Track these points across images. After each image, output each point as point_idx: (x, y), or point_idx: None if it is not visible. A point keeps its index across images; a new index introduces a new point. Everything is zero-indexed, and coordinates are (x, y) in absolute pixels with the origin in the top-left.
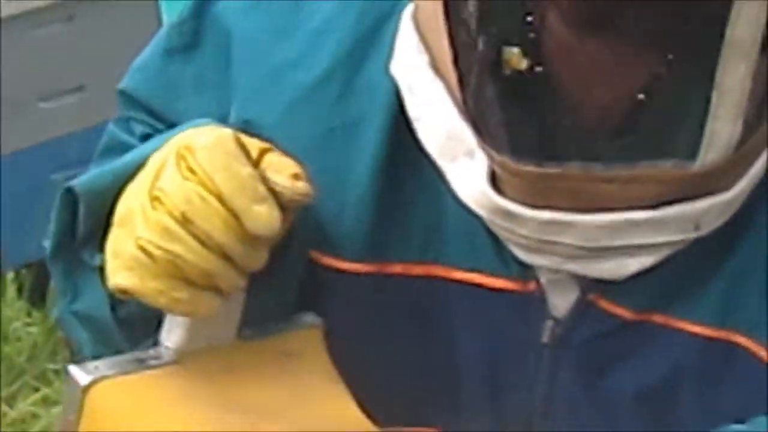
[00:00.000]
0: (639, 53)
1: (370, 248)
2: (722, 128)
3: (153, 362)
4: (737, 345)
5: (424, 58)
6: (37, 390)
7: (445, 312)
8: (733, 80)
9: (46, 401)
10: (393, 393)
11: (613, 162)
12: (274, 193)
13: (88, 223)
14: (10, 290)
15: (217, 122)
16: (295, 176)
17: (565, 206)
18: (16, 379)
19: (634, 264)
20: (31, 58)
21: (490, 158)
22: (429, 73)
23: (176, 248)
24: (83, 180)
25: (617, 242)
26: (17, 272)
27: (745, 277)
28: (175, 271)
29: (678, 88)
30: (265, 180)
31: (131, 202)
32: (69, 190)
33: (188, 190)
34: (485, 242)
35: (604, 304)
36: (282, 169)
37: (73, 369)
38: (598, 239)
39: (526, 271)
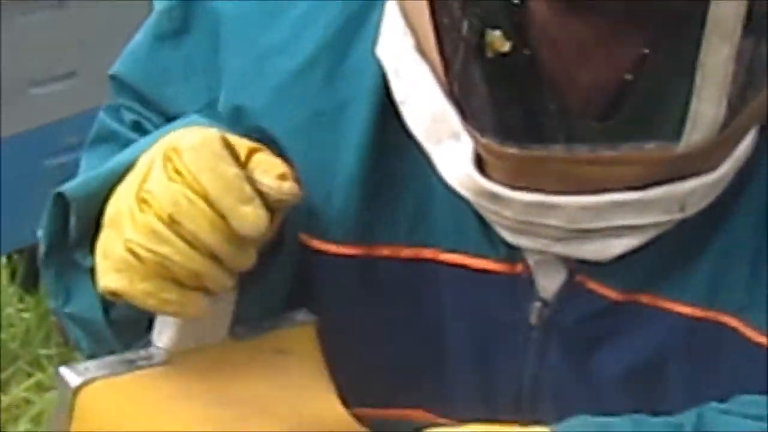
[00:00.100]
0: (622, 34)
1: (358, 231)
2: (706, 109)
3: (143, 363)
4: (724, 325)
5: (410, 41)
6: (30, 375)
7: (434, 294)
8: (716, 61)
9: (39, 387)
10: (382, 374)
11: (597, 144)
12: (260, 193)
13: (80, 226)
14: (3, 276)
15: (207, 109)
16: (282, 176)
17: (549, 188)
18: (9, 364)
19: (620, 245)
20: (23, 44)
21: (475, 141)
22: (414, 56)
23: (164, 250)
24: (74, 185)
25: (602, 224)
26: (10, 258)
27: (731, 257)
28: (164, 273)
29: (661, 69)
30: (251, 180)
31: (120, 203)
32: (60, 195)
33: (175, 191)
34: (472, 224)
35: (592, 285)
36: (269, 169)
37: (64, 370)
38: (583, 221)
39: (513, 252)
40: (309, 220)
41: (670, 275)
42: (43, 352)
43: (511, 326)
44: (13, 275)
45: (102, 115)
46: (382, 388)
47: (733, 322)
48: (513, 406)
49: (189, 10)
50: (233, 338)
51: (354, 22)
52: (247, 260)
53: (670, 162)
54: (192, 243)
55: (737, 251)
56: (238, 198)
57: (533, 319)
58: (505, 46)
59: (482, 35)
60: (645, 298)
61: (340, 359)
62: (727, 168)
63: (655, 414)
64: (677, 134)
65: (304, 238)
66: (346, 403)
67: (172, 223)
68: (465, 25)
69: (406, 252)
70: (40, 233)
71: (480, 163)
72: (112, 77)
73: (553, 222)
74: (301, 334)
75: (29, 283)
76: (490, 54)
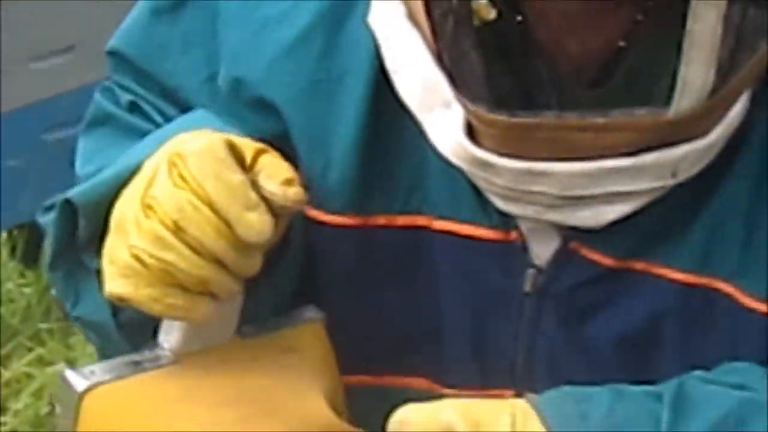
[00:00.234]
0: (611, 3)
1: (355, 201)
2: (695, 75)
3: (149, 365)
4: (718, 291)
5: (401, 9)
6: (31, 350)
7: (429, 262)
8: (703, 27)
9: (40, 361)
10: (378, 342)
11: (588, 110)
12: (265, 199)
13: (88, 230)
14: (3, 251)
15: (208, 83)
16: (288, 182)
17: (541, 155)
18: (9, 339)
19: (613, 212)
20: (21, 19)
21: (465, 108)
22: (405, 23)
23: (169, 256)
24: (81, 191)
25: (594, 190)
26: (10, 233)
27: (725, 223)
28: (169, 279)
29: (651, 35)
30: (256, 186)
31: (125, 208)
32: (67, 201)
33: (180, 198)
34: (466, 192)
35: (585, 252)
36: (275, 174)
37: (69, 374)
38: (575, 188)
39: (507, 220)
40: (307, 190)
41: (663, 241)
42: (43, 326)
43: (505, 294)
44: (13, 250)
45: (97, 96)
46: (381, 356)
47: (726, 287)
48: (508, 373)
49: None
50: (240, 338)
51: None
52: (253, 265)
53: (661, 128)
54: (197, 249)
55: (731, 217)
56: (244, 205)
57: (527, 286)
58: (491, 14)
59: (469, 2)
60: (639, 265)
61: (339, 328)
62: (718, 133)
63: (649, 381)
64: (667, 100)
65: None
66: (345, 371)
67: (177, 230)
68: None
69: (402, 220)
70: (47, 242)
71: (471, 131)
72: (110, 53)
73: (544, 189)
74: (308, 332)
75: (29, 258)
76: (476, 22)
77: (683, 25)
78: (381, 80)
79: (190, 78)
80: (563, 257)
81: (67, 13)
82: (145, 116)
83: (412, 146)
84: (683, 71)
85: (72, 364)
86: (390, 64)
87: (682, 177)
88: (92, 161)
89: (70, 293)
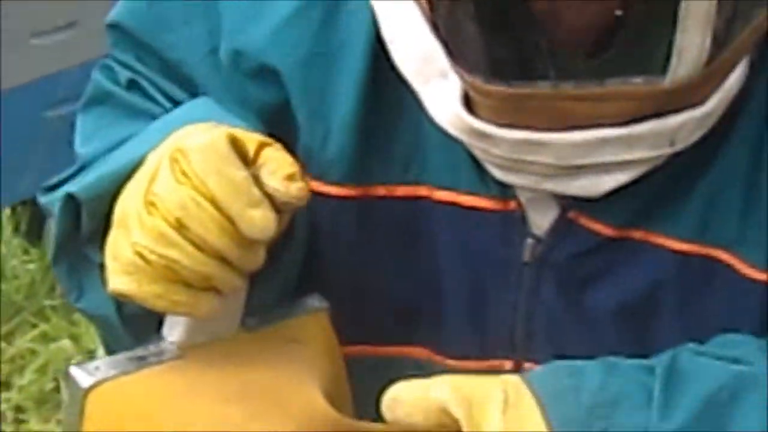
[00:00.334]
0: None
1: (354, 172)
2: (691, 42)
3: (154, 359)
4: (717, 260)
5: None
6: (35, 326)
7: (428, 232)
8: None
9: (44, 337)
10: (378, 313)
11: (584, 80)
12: (268, 195)
13: (91, 224)
14: (7, 228)
15: (210, 56)
16: (291, 177)
17: (538, 125)
18: (14, 316)
19: (611, 181)
20: None
21: (462, 79)
22: None
23: (172, 254)
24: (84, 185)
25: (592, 160)
26: (13, 209)
27: (723, 192)
28: (173, 275)
29: (647, 4)
30: (259, 182)
31: (127, 204)
32: (70, 196)
33: (182, 195)
34: (465, 163)
35: (584, 222)
36: (278, 169)
37: (74, 370)
38: (572, 157)
39: (505, 190)
40: (307, 162)
41: (662, 211)
42: (47, 303)
43: (504, 263)
44: (16, 227)
45: (96, 74)
46: (381, 326)
47: (725, 256)
48: (507, 343)
49: None
50: (244, 330)
51: None
52: (257, 260)
53: (658, 97)
54: (200, 246)
55: (729, 186)
56: (247, 202)
57: (526, 256)
58: None
59: None
60: (637, 234)
61: (340, 298)
62: (716, 102)
63: (648, 350)
64: (664, 69)
65: None
66: (346, 341)
67: (180, 227)
68: None
69: (401, 191)
70: (51, 235)
71: (468, 102)
72: (110, 26)
73: (542, 159)
74: (313, 322)
75: (33, 235)
76: None
77: None
78: (379, 51)
79: (192, 51)
80: (562, 227)
81: None
82: (144, 94)
83: (410, 117)
84: (679, 40)
85: (76, 340)
86: (387, 35)
87: (680, 146)
88: (91, 140)
89: (73, 287)
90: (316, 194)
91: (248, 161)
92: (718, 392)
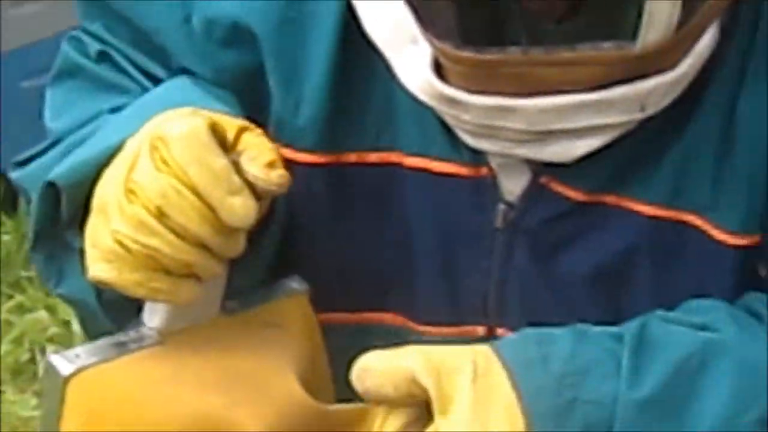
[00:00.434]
0: None
1: (326, 139)
2: (661, 7)
3: (134, 345)
4: (689, 225)
5: None
6: (11, 298)
7: (400, 198)
8: None
9: (20, 309)
10: (351, 279)
11: (555, 45)
12: (249, 183)
13: (70, 210)
14: None
15: (183, 26)
16: (271, 164)
17: (508, 91)
18: None
19: (582, 146)
20: None
21: (432, 45)
22: None
23: (153, 242)
24: (63, 172)
25: (563, 125)
26: None
27: (695, 156)
28: (153, 263)
29: None
30: (239, 169)
31: (107, 191)
32: (49, 184)
33: (163, 183)
34: (436, 129)
35: (556, 187)
36: (258, 156)
37: (54, 358)
38: (543, 123)
39: (477, 156)
40: (279, 129)
41: (634, 176)
42: (23, 274)
43: (476, 230)
44: None
45: (65, 47)
46: (354, 292)
47: (697, 221)
48: (480, 309)
49: None
50: (225, 314)
51: None
52: (237, 247)
53: (628, 62)
54: (181, 234)
55: (701, 150)
56: (227, 190)
57: (498, 222)
58: None
59: None
60: (609, 199)
61: (313, 266)
62: (687, 66)
63: (621, 315)
64: (634, 34)
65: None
66: (322, 309)
67: (160, 215)
68: None
69: (373, 157)
70: (30, 221)
71: (439, 69)
72: None
73: (513, 125)
74: (293, 305)
75: (8, 206)
76: None
77: None
78: (350, 19)
79: (166, 20)
80: (534, 192)
81: None
82: (115, 66)
83: (381, 84)
84: (649, 4)
85: (52, 311)
86: (358, 2)
87: (651, 110)
88: (61, 115)
89: (52, 273)
90: (287, 161)
91: (228, 146)
92: (687, 360)
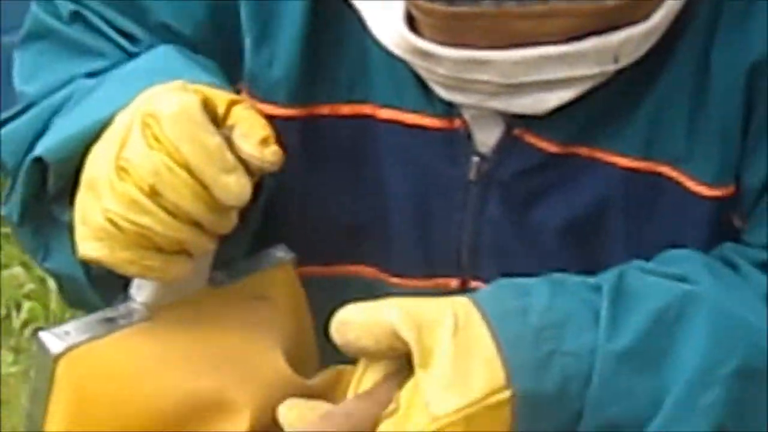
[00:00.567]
0: None
1: (299, 93)
2: None
3: (124, 321)
4: (663, 176)
5: None
6: None
7: (374, 151)
8: None
9: None
10: (325, 232)
11: None
12: (242, 160)
13: (58, 184)
14: None
15: None
16: (264, 141)
17: (481, 44)
18: None
19: (555, 98)
20: None
21: None
22: None
23: (145, 221)
24: (50, 147)
25: (536, 77)
26: None
27: (669, 108)
28: (145, 242)
29: None
30: (231, 145)
31: (97, 167)
32: (36, 160)
33: (155, 161)
34: (409, 82)
35: (530, 139)
36: (250, 132)
37: (44, 335)
38: (516, 75)
39: (450, 108)
40: (252, 84)
41: (607, 127)
42: None
43: (450, 182)
44: None
45: (35, 8)
46: (328, 245)
47: (671, 172)
48: (453, 262)
49: None
50: (213, 286)
51: None
52: (229, 224)
53: (601, 13)
54: (173, 213)
55: (675, 102)
56: (221, 168)
57: (472, 174)
58: None
59: None
60: (583, 151)
61: (287, 220)
62: (660, 17)
63: (595, 267)
64: None
65: (251, 103)
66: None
67: (153, 193)
68: None
69: (346, 109)
70: (16, 197)
71: (411, 22)
72: None
73: (485, 77)
74: (279, 274)
75: None
76: None
77: None
78: None
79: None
80: (507, 144)
81: None
82: (88, 27)
83: (354, 38)
84: None
85: (27, 267)
86: None
87: (624, 62)
88: (33, 79)
89: (39, 247)
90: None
91: (218, 121)
92: (665, 311)
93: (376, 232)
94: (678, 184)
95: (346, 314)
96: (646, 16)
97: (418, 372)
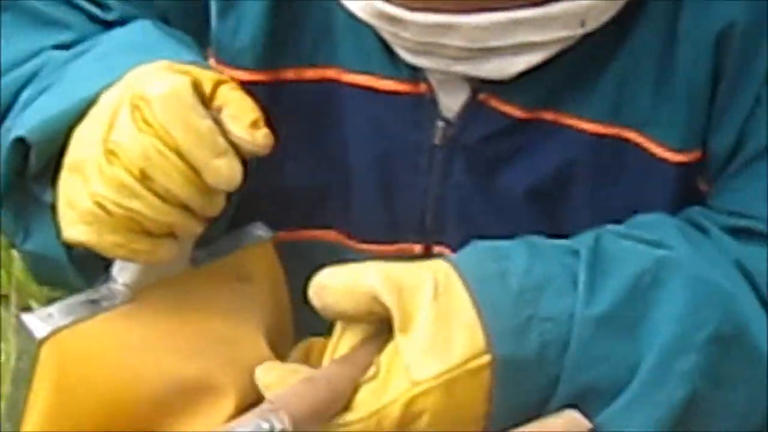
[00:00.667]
0: None
1: (264, 58)
2: None
3: (107, 303)
4: (629, 141)
5: None
6: None
7: (339, 115)
8: None
9: None
10: (290, 197)
11: None
12: (233, 144)
13: (40, 164)
14: None
15: None
16: (254, 123)
17: (448, 8)
18: None
19: (521, 62)
20: None
21: None
22: None
23: (134, 205)
24: (33, 127)
25: (502, 42)
26: None
27: (635, 73)
28: (133, 225)
29: None
30: (223, 130)
31: (84, 149)
32: (18, 140)
33: (146, 144)
34: (375, 46)
35: (495, 103)
36: (240, 116)
37: (27, 318)
38: (483, 40)
39: (415, 72)
40: (218, 49)
41: (573, 92)
42: None
43: (415, 146)
44: None
45: None
46: (293, 210)
47: (637, 137)
48: (418, 227)
49: None
50: (194, 265)
51: None
52: (218, 207)
53: None
54: (163, 197)
55: (641, 67)
56: (212, 151)
57: (437, 139)
58: None
59: None
60: (549, 115)
61: (252, 184)
62: None
63: (560, 232)
64: None
65: (218, 69)
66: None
67: (143, 177)
68: None
69: (310, 73)
70: None
71: None
72: None
73: (452, 42)
74: (259, 252)
75: None
76: None
77: None
78: None
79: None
80: (472, 109)
81: None
82: None
83: (320, 3)
84: None
85: None
86: None
87: (591, 26)
88: None
89: (19, 228)
90: None
91: (206, 102)
92: (641, 277)
93: (340, 197)
94: (644, 149)
95: (324, 278)
96: None
97: (399, 336)
